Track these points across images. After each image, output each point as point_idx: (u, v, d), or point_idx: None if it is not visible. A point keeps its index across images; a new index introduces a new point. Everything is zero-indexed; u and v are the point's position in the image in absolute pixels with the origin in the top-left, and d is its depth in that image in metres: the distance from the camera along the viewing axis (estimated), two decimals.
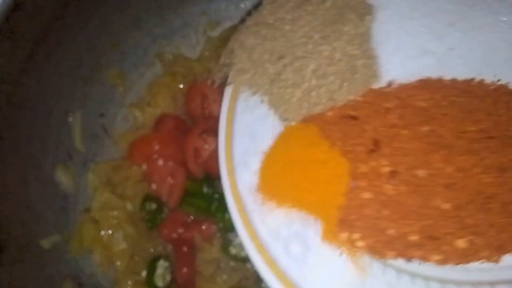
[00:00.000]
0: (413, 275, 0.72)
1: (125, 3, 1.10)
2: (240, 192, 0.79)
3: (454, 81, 0.85)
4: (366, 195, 0.75)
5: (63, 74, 1.04)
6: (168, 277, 1.05)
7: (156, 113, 1.18)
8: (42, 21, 0.94)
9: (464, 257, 0.72)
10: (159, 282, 1.04)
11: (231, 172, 0.81)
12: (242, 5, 1.23)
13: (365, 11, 0.89)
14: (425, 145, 0.77)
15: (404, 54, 0.87)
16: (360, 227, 0.74)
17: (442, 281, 0.72)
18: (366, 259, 0.73)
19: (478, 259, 0.72)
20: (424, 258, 0.72)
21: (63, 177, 1.05)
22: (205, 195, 1.09)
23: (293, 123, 0.82)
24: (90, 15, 1.05)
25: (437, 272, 0.72)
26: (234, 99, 0.87)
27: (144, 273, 1.05)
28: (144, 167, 1.12)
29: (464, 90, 0.84)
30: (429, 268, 0.72)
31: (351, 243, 0.73)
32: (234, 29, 1.21)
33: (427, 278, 0.72)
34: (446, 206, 0.74)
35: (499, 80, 0.84)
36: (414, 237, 0.72)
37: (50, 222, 1.02)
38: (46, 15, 0.94)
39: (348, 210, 0.74)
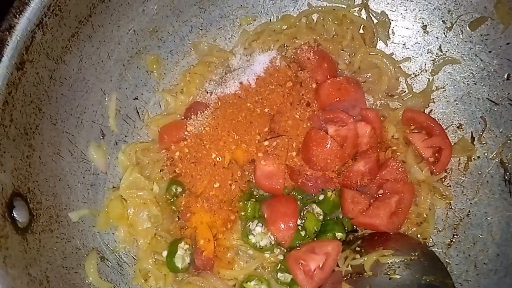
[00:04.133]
0: None
1: None
2: None
3: None
4: None
5: (103, 56, 1.08)
6: (188, 259, 1.08)
7: (188, 101, 1.20)
8: (88, 2, 0.98)
9: None
10: (178, 263, 1.07)
11: None
12: (278, 1, 1.24)
13: None
14: None
15: None
16: None
17: None
18: None
19: None
20: None
21: (95, 155, 1.09)
22: None
23: None
24: (134, 0, 1.08)
25: None
26: None
27: (164, 254, 1.08)
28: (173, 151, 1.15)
29: None
30: None
31: None
32: (269, 24, 1.24)
33: None
34: None
35: None
36: None
37: (79, 196, 1.06)
38: None
39: None
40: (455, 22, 1.17)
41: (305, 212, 1.10)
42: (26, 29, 0.86)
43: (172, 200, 1.12)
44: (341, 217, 1.13)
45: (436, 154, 1.16)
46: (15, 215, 0.84)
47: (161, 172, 1.14)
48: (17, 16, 0.85)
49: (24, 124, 0.89)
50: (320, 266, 1.03)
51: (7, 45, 0.83)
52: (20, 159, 0.89)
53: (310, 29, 1.22)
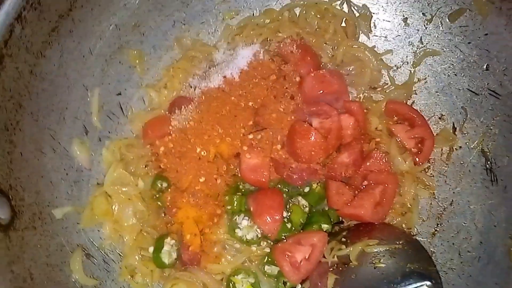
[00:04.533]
0: None
1: None
2: None
3: None
4: None
5: (85, 51, 1.07)
6: (174, 255, 1.08)
7: (171, 95, 1.20)
8: None
9: None
10: (165, 258, 1.06)
11: None
12: None
13: None
14: None
15: None
16: None
17: None
18: None
19: None
20: None
21: (78, 151, 1.08)
22: None
23: None
24: None
25: None
26: None
27: (151, 249, 1.08)
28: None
29: None
30: None
31: None
32: (252, 18, 1.25)
33: None
34: None
35: None
36: None
37: (63, 193, 1.05)
38: None
39: None
40: (435, 14, 1.18)
41: (291, 204, 1.11)
42: (5, 23, 0.85)
43: (157, 195, 1.11)
44: (326, 208, 1.14)
45: (419, 145, 1.17)
46: None
47: (146, 168, 1.14)
48: None
49: (4, 119, 0.88)
50: (307, 257, 1.04)
51: None
52: (1, 156, 0.88)
53: (293, 23, 1.22)
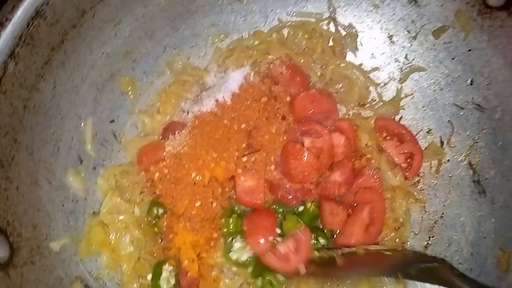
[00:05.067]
0: None
1: (139, 13, 1.13)
2: None
3: None
4: None
5: (77, 81, 1.07)
6: (173, 281, 1.08)
7: (164, 120, 1.21)
8: (60, 29, 0.98)
9: None
10: (164, 285, 1.07)
11: None
12: (249, 18, 1.26)
13: None
14: None
15: None
16: None
17: None
18: None
19: None
20: None
21: (73, 181, 1.08)
22: None
23: None
24: (105, 24, 1.08)
25: None
26: None
27: (149, 277, 1.08)
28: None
29: None
30: None
31: None
32: (241, 40, 1.26)
33: None
34: None
35: None
36: None
37: (60, 224, 1.05)
38: (64, 22, 0.98)
39: None
40: (419, 31, 1.22)
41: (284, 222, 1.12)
42: None
43: (154, 222, 1.12)
44: (321, 227, 1.16)
45: (409, 160, 1.20)
46: None
47: (141, 194, 1.14)
48: None
49: (0, 156, 0.88)
50: (293, 249, 1.06)
51: None
52: None
53: (282, 44, 1.24)
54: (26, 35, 0.89)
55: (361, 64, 1.27)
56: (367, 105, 1.26)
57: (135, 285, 1.08)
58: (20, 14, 0.86)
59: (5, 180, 0.90)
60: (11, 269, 0.87)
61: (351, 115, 1.25)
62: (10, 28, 0.85)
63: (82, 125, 1.11)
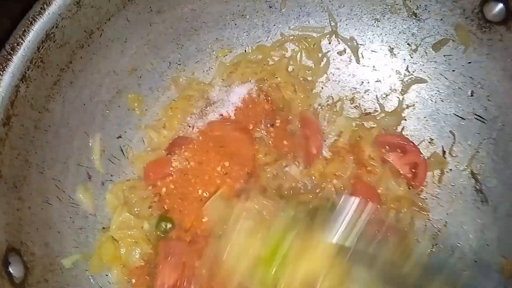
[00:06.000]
0: None
1: (144, 30, 1.15)
2: None
3: None
4: None
5: (85, 99, 1.09)
6: None
7: (171, 135, 1.23)
8: (69, 50, 1.00)
9: None
10: None
11: None
12: (252, 33, 1.28)
13: None
14: None
15: None
16: None
17: None
18: None
19: None
20: None
21: (83, 198, 1.10)
22: None
23: None
24: (112, 43, 1.10)
25: None
26: None
27: None
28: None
29: None
30: None
31: None
32: (245, 55, 1.28)
33: None
34: None
35: None
36: None
37: (70, 241, 1.06)
38: (72, 43, 1.00)
39: None
40: (419, 44, 1.24)
41: None
42: (10, 85, 0.87)
43: (163, 236, 1.13)
44: None
45: (413, 170, 1.22)
46: (11, 270, 0.84)
47: (150, 209, 1.16)
48: (0, 73, 0.85)
49: (13, 178, 0.90)
50: None
51: None
52: (12, 214, 0.89)
53: (287, 72, 1.27)
54: (37, 58, 0.91)
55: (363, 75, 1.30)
56: (370, 116, 1.28)
57: None
58: (31, 38, 0.88)
59: (18, 200, 0.91)
60: None
61: (354, 125, 1.26)
62: (22, 52, 0.87)
63: (90, 142, 1.13)
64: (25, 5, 0.90)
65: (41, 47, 0.91)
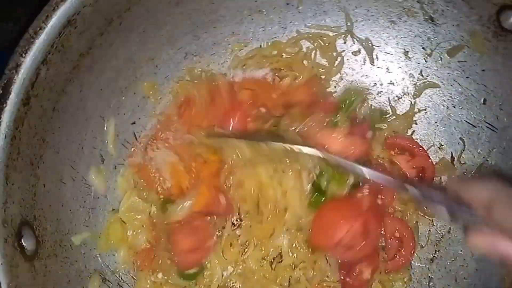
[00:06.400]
0: None
1: (162, 21, 1.18)
2: None
3: None
4: None
5: (103, 84, 1.13)
6: None
7: None
8: (89, 36, 1.03)
9: None
10: None
11: None
12: (268, 28, 1.30)
13: None
14: None
15: None
16: None
17: None
18: None
19: None
20: None
21: (95, 179, 1.14)
22: None
23: None
24: (130, 32, 1.13)
25: None
26: None
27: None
28: None
29: None
30: None
31: None
32: (260, 50, 1.30)
33: None
34: None
35: None
36: None
37: (81, 220, 1.11)
38: (92, 30, 1.03)
39: None
40: (434, 49, 1.24)
41: None
42: (32, 67, 0.90)
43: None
44: None
45: (420, 174, 1.23)
46: (23, 243, 0.89)
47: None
48: (23, 55, 0.89)
49: (30, 155, 0.94)
50: None
51: (14, 82, 0.88)
52: (27, 189, 0.94)
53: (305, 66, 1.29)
54: (58, 42, 0.94)
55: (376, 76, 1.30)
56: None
57: (149, 280, 1.14)
58: (53, 23, 0.92)
59: (33, 177, 0.96)
60: (36, 261, 0.93)
61: None
62: (44, 36, 0.91)
63: (105, 126, 1.17)
64: (31, 9, 0.94)
65: (62, 33, 0.94)
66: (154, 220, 1.15)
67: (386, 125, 1.27)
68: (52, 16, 0.92)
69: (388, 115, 1.29)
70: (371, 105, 1.28)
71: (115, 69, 1.15)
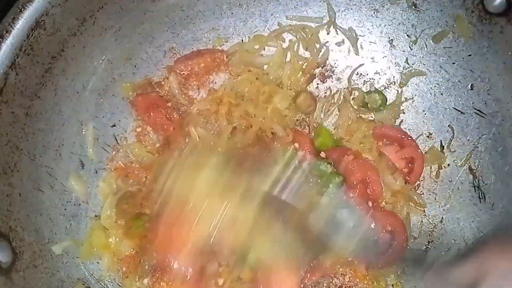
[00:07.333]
0: None
1: (138, 19, 1.15)
2: None
3: None
4: None
5: (78, 87, 1.09)
6: None
7: None
8: (60, 37, 1.00)
9: None
10: None
11: None
12: (249, 22, 1.27)
13: None
14: None
15: None
16: None
17: None
18: None
19: None
20: None
21: (75, 185, 1.11)
22: None
23: None
24: (106, 31, 1.09)
25: None
26: None
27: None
28: None
29: None
30: None
31: None
32: (241, 45, 1.27)
33: None
34: None
35: None
36: None
37: (62, 228, 1.08)
38: (64, 31, 1.00)
39: None
40: (419, 36, 1.21)
41: None
42: None
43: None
44: None
45: (410, 164, 1.21)
46: None
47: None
48: None
49: (2, 164, 0.91)
50: None
51: None
52: (1, 200, 0.90)
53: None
54: (26, 45, 0.91)
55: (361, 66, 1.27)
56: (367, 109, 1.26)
57: (134, 287, 1.11)
58: (20, 25, 0.88)
59: (8, 187, 0.93)
60: (14, 273, 0.90)
61: (351, 118, 1.25)
62: (11, 39, 0.88)
63: (83, 130, 1.13)
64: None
65: (30, 35, 0.91)
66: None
67: (373, 116, 1.25)
68: (19, 18, 0.89)
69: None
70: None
71: (91, 71, 1.11)
